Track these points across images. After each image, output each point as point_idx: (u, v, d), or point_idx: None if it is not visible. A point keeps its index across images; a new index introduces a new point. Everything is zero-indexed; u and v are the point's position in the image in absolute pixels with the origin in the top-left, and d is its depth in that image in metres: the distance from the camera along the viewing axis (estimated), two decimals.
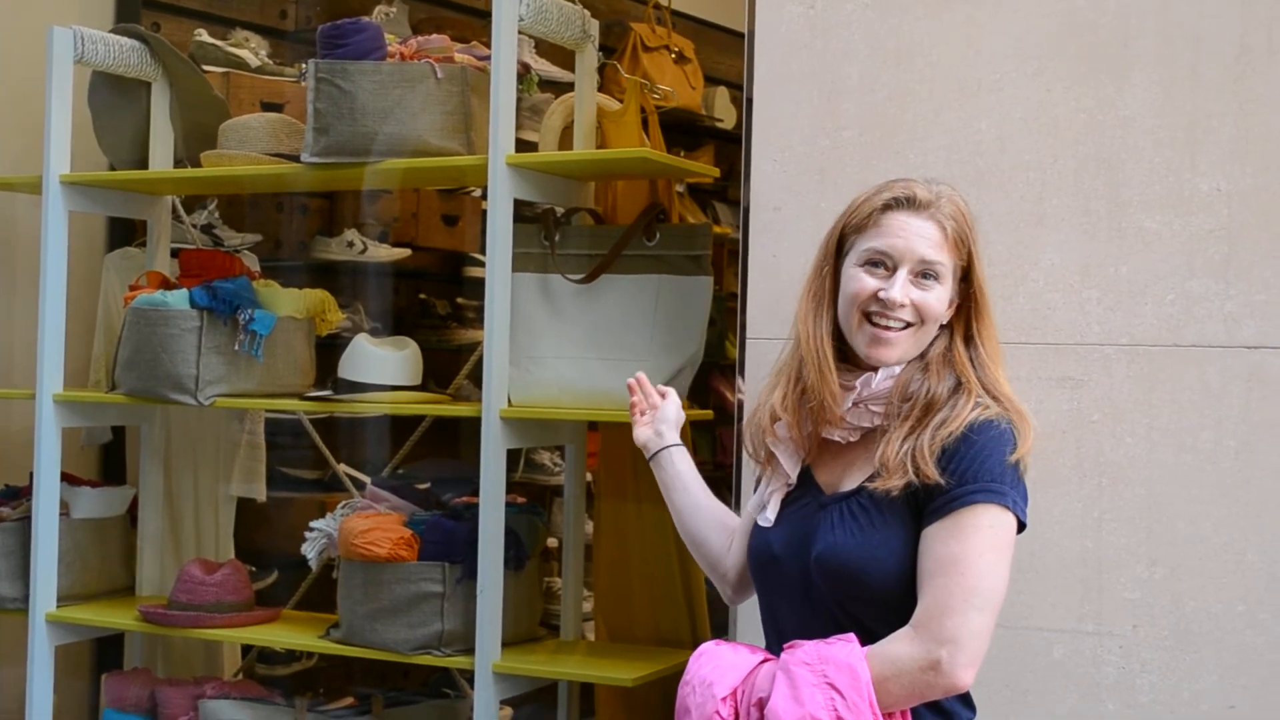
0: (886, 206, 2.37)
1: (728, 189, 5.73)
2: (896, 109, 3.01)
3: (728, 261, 4.82)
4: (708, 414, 3.61)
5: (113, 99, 4.15)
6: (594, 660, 3.65)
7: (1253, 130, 2.76)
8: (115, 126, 4.16)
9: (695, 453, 2.89)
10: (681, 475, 2.70)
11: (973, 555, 2.22)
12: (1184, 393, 2.80)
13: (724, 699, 2.28)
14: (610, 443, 3.94)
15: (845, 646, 2.23)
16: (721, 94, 5.56)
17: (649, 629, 3.85)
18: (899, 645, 2.23)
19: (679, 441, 2.74)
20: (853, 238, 2.41)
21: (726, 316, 4.04)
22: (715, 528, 2.65)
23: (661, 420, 2.75)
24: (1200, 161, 2.80)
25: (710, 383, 4.52)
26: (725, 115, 5.57)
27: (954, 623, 2.20)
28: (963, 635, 2.20)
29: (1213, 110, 2.79)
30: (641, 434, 2.76)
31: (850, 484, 2.38)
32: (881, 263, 2.36)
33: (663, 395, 2.80)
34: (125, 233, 4.66)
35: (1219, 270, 2.78)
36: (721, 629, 3.52)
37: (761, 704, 2.24)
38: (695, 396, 3.49)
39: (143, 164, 4.13)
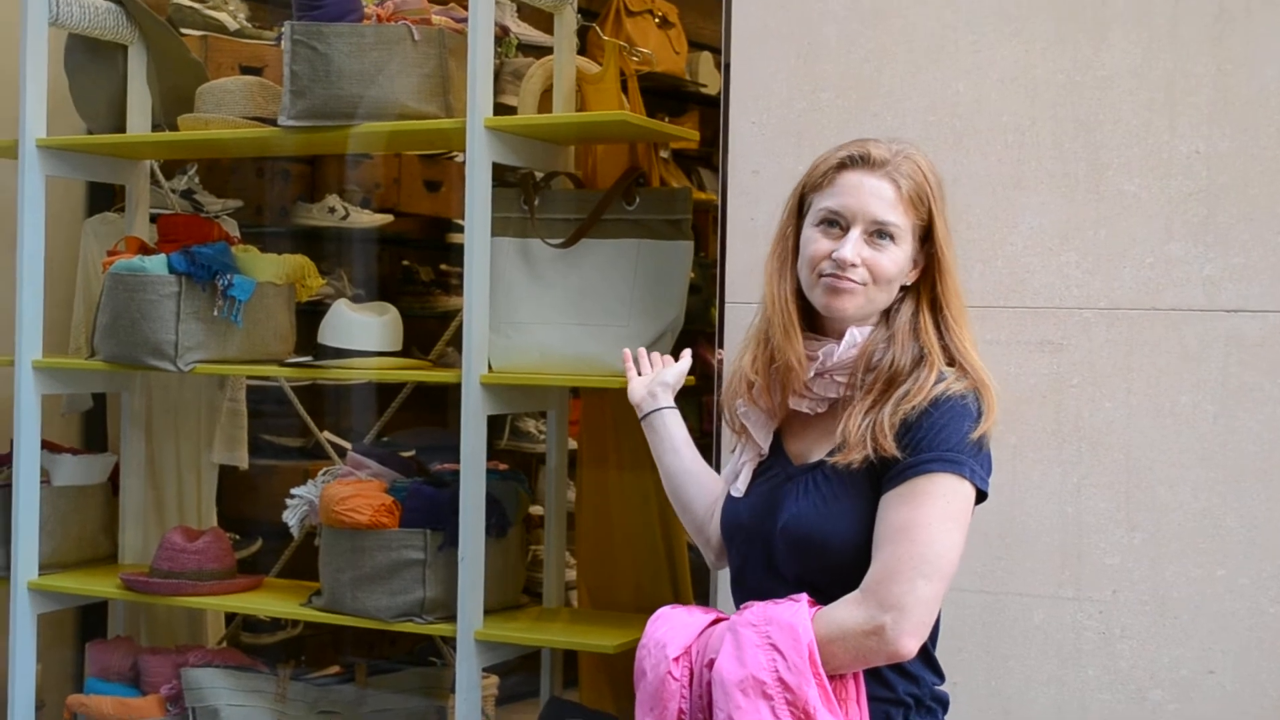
0: (841, 165, 2.35)
1: (712, 155, 5.70)
2: (874, 70, 2.99)
3: (712, 228, 4.79)
4: (690, 380, 3.59)
5: (89, 62, 4.12)
6: (576, 627, 3.64)
7: (1231, 92, 2.74)
8: (92, 90, 4.13)
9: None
10: (673, 438, 2.67)
11: (924, 523, 2.21)
12: (1163, 356, 2.79)
13: (676, 659, 2.29)
14: (591, 409, 3.93)
15: (791, 607, 2.23)
16: (706, 59, 5.52)
17: (632, 595, 3.85)
18: (846, 609, 2.22)
19: (672, 404, 2.72)
20: (811, 197, 2.39)
21: (711, 283, 4.02)
22: (702, 492, 2.63)
23: (658, 381, 2.73)
24: (1179, 124, 2.77)
25: (695, 349, 4.50)
26: (709, 80, 5.53)
27: (900, 589, 2.19)
28: (909, 602, 2.19)
29: (1191, 72, 2.77)
30: (635, 392, 2.74)
31: (817, 455, 2.37)
32: (835, 222, 2.34)
33: (676, 359, 2.80)
34: (105, 198, 4.63)
35: (1197, 233, 2.76)
36: (704, 595, 3.52)
37: (712, 663, 2.24)
38: None
39: (120, 128, 4.10)
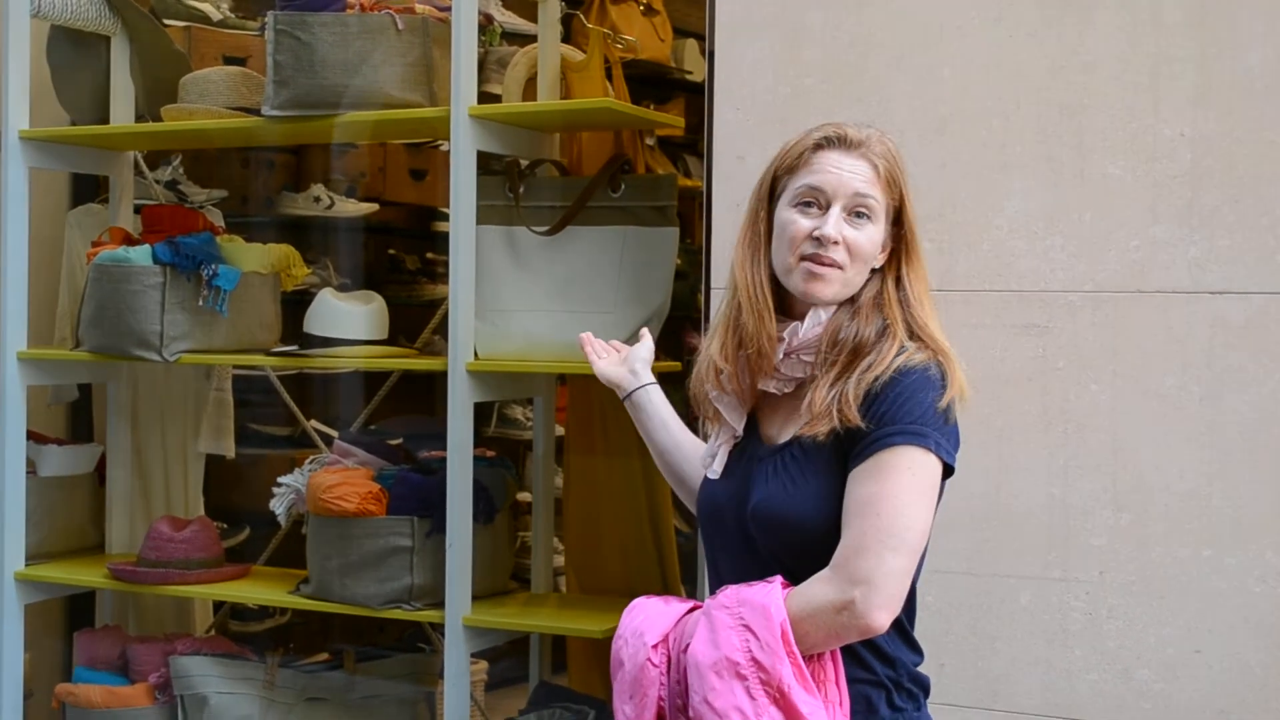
0: (818, 145, 2.34)
1: (697, 142, 5.69)
2: (858, 56, 2.99)
3: (698, 214, 4.80)
4: (675, 365, 3.58)
5: (72, 54, 4.11)
6: (565, 613, 3.65)
7: (1215, 75, 2.75)
8: (75, 82, 4.12)
9: None
10: (660, 413, 2.66)
11: (890, 496, 2.19)
12: (1148, 339, 2.80)
13: (654, 646, 2.28)
14: (578, 396, 3.94)
15: (764, 588, 2.23)
16: (691, 46, 5.52)
17: (620, 581, 3.85)
18: (816, 586, 2.21)
19: (654, 380, 2.70)
20: (785, 179, 2.37)
21: (696, 269, 4.03)
22: (696, 466, 2.60)
23: (634, 359, 2.71)
24: (1163, 107, 2.78)
25: (681, 336, 4.51)
26: (695, 67, 5.52)
27: (869, 564, 2.17)
28: (877, 576, 2.17)
29: (1175, 55, 2.77)
30: (614, 372, 2.71)
31: (786, 436, 2.36)
32: (815, 201, 2.32)
33: (640, 340, 2.76)
34: (89, 189, 4.62)
35: (1182, 216, 2.77)
36: (691, 581, 3.53)
37: (688, 648, 2.24)
38: (666, 349, 3.47)
39: (104, 119, 4.09)
